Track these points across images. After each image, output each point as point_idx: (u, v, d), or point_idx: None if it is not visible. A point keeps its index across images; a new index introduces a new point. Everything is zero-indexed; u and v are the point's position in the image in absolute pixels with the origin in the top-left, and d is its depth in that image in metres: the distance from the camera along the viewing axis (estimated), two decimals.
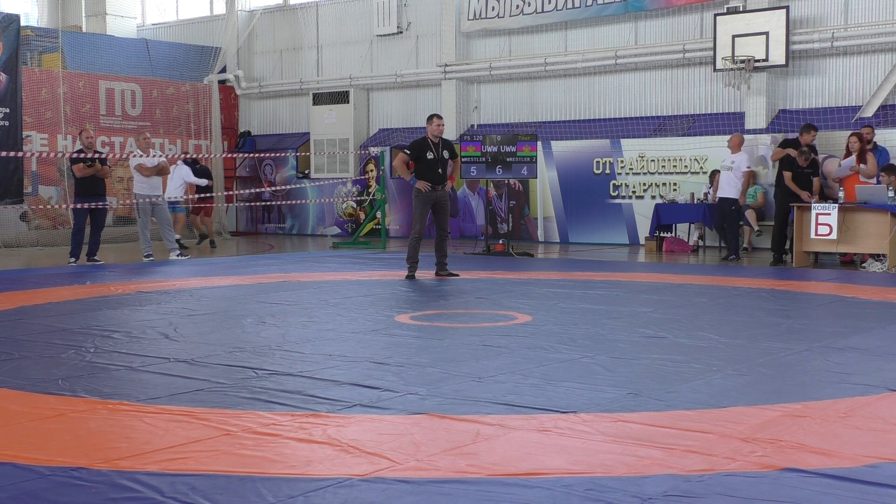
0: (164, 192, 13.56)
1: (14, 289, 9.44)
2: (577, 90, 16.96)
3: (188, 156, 17.07)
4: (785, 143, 12.70)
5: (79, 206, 12.47)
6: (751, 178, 13.99)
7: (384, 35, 18.96)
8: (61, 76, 17.14)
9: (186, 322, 7.20)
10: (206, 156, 18.86)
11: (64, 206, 15.77)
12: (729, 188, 12.91)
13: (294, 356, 5.68)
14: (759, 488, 3.19)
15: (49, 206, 16.44)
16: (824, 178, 12.63)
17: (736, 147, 13.03)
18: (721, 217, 13.19)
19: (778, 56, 14.34)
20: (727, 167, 12.92)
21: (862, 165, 11.95)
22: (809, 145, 12.27)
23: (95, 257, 12.52)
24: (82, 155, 12.42)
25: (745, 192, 13.05)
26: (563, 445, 3.71)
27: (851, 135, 12.23)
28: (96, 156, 12.58)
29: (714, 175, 14.03)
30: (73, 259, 12.37)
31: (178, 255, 13.04)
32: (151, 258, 12.85)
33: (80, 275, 10.96)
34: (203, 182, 16.11)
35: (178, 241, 14.24)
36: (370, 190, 18.38)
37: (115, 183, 17.74)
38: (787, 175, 12.05)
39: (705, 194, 14.35)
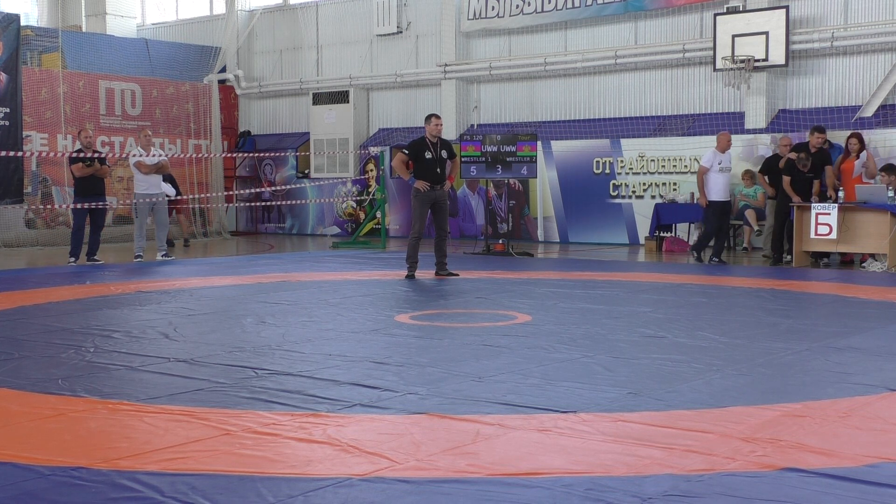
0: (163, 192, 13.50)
1: (14, 289, 9.43)
2: (577, 90, 16.96)
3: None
4: (797, 148, 12.44)
5: (78, 206, 12.46)
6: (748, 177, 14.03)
7: (384, 35, 18.96)
8: (61, 76, 17.14)
9: (186, 322, 7.20)
10: (206, 155, 18.87)
11: (63, 205, 15.75)
12: (725, 191, 12.42)
13: (294, 356, 5.68)
14: (759, 488, 3.19)
15: (55, 207, 16.44)
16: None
17: (728, 146, 12.47)
18: (723, 219, 12.56)
19: (778, 56, 14.34)
20: (727, 168, 12.35)
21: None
22: (807, 150, 12.14)
23: (95, 257, 12.51)
24: (81, 154, 12.42)
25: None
26: (563, 445, 3.71)
27: (851, 135, 12.23)
28: (95, 155, 12.57)
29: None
30: (72, 259, 12.36)
31: (163, 256, 13.01)
32: (141, 259, 12.79)
33: (80, 275, 10.96)
34: (172, 191, 16.01)
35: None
36: (370, 190, 18.38)
37: (115, 183, 17.73)
38: (786, 179, 12.01)
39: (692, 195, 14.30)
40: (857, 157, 11.98)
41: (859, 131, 12.53)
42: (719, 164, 12.29)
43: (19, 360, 5.61)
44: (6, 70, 15.82)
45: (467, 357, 5.62)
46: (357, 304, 8.20)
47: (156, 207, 12.97)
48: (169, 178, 16.41)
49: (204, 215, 19.09)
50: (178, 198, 16.39)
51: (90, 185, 12.39)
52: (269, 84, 20.65)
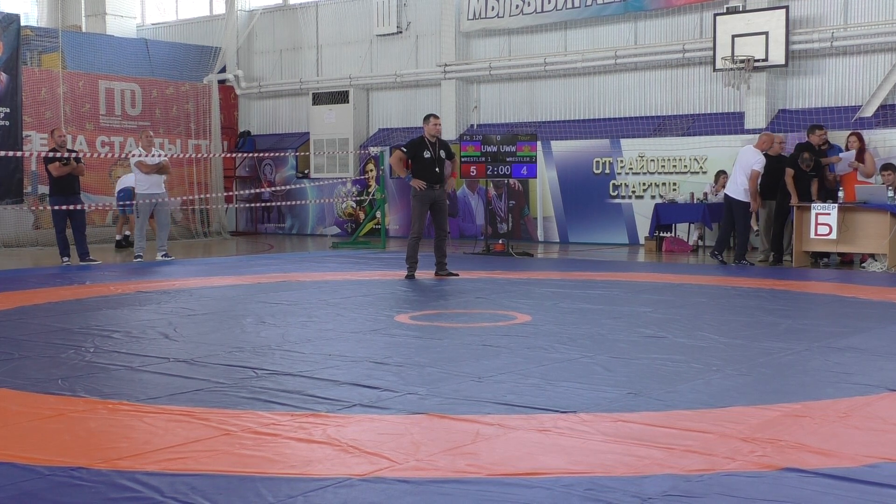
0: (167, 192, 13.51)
1: (14, 289, 9.43)
2: (576, 90, 16.96)
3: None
4: (798, 147, 12.43)
5: (55, 207, 12.38)
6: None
7: (384, 35, 18.96)
8: (61, 76, 17.13)
9: (186, 322, 7.20)
10: (206, 155, 18.86)
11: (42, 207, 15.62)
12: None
13: (294, 356, 5.68)
14: (759, 488, 3.19)
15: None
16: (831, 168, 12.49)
17: (770, 146, 12.35)
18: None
19: (778, 56, 14.34)
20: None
21: (860, 164, 11.94)
22: (812, 150, 12.09)
23: (90, 258, 12.44)
24: (56, 154, 12.33)
25: None
26: (562, 445, 3.71)
27: (850, 134, 12.24)
28: (70, 154, 12.49)
29: (719, 175, 14.02)
30: (65, 259, 12.29)
31: (163, 256, 12.99)
32: (141, 259, 12.77)
33: (80, 275, 10.96)
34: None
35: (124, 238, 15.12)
36: (370, 190, 18.39)
37: (115, 183, 17.71)
38: (790, 172, 11.93)
39: (705, 194, 14.32)
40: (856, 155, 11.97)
41: (859, 131, 12.53)
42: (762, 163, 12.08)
43: (19, 360, 5.61)
44: (6, 70, 15.81)
45: (467, 357, 5.62)
46: (357, 305, 8.20)
47: (156, 208, 12.96)
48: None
49: (205, 215, 19.09)
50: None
51: (67, 185, 12.31)
52: (269, 84, 20.65)
